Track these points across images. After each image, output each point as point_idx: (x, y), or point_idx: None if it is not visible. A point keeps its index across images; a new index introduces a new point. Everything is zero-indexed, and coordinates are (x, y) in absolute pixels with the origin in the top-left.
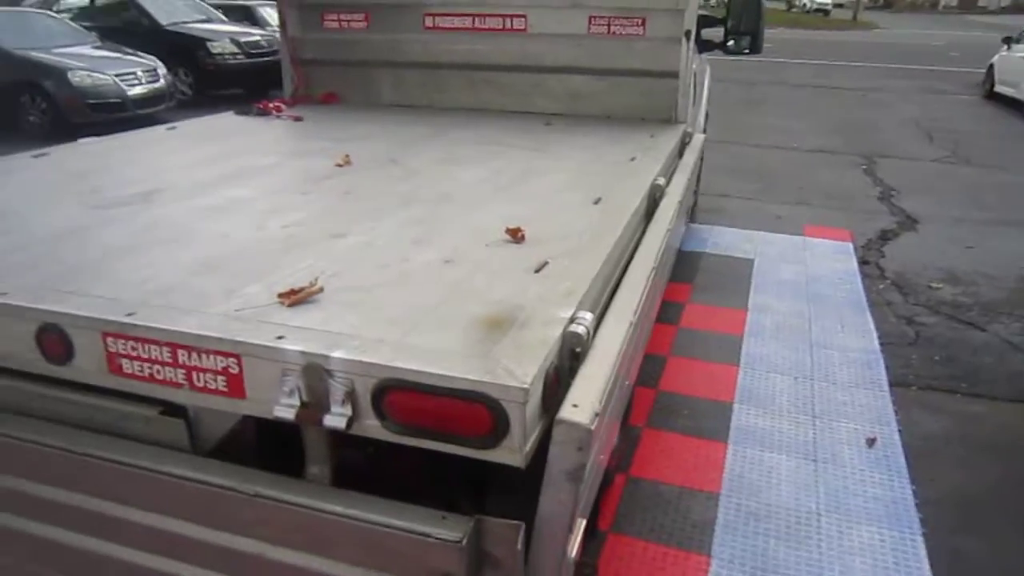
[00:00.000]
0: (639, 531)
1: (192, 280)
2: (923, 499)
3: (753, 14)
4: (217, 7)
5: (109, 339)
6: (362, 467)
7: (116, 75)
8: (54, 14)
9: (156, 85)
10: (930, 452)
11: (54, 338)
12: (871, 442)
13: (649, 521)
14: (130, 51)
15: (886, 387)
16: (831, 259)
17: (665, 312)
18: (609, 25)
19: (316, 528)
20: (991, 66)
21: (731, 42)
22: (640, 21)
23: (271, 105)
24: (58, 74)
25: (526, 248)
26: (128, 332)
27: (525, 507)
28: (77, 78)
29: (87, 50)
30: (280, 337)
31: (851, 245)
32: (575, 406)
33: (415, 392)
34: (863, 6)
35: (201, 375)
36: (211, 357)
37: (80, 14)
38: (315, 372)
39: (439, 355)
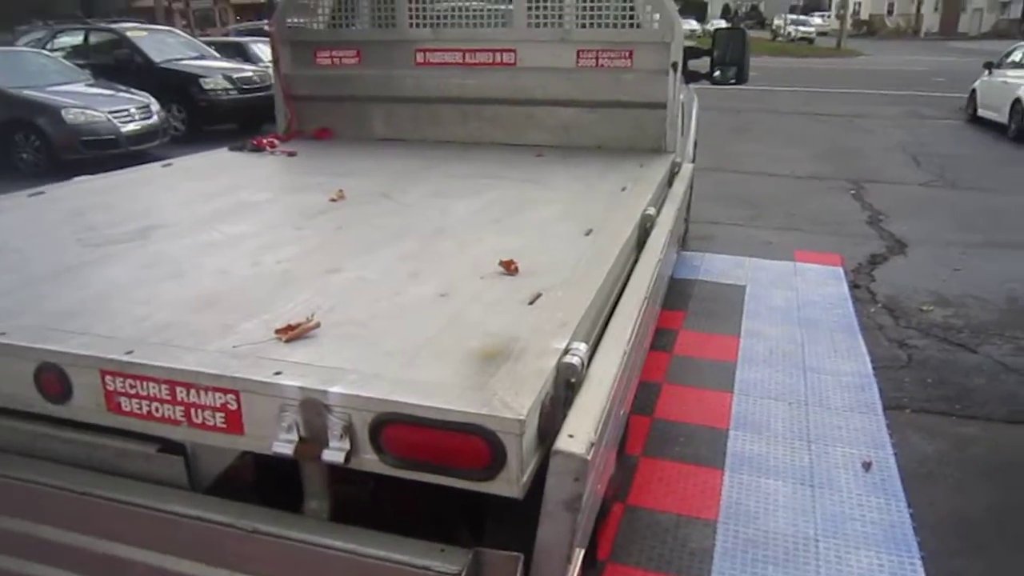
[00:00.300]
0: (637, 560)
1: (189, 317)
2: (920, 522)
3: (738, 45)
4: (210, 44)
5: (107, 377)
6: (360, 501)
7: (110, 112)
8: (48, 53)
9: (150, 121)
10: (926, 475)
11: (52, 377)
12: (867, 466)
13: (647, 550)
14: (124, 88)
15: (880, 410)
16: (822, 284)
17: (659, 339)
18: (597, 58)
19: (315, 563)
20: (973, 91)
21: (717, 73)
22: (628, 54)
23: (265, 141)
24: (52, 112)
25: (520, 280)
26: (126, 370)
27: (524, 538)
28: (71, 115)
29: (81, 88)
30: (278, 373)
31: (841, 270)
32: (571, 436)
33: (412, 425)
34: (847, 34)
35: (199, 412)
36: (209, 394)
37: (73, 52)
38: (313, 407)
39: (435, 388)
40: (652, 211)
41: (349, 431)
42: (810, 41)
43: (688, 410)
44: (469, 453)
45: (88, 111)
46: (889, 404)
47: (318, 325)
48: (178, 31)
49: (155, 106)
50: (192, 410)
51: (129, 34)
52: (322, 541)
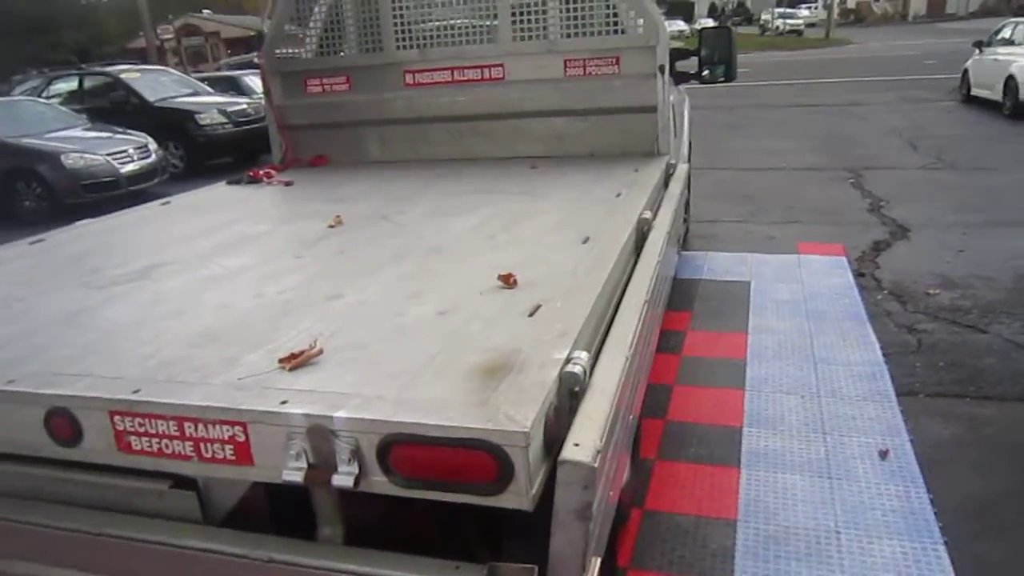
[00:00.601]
0: (659, 565)
1: (194, 352)
2: (941, 507)
3: (725, 43)
4: (203, 79)
5: (116, 418)
6: (374, 524)
7: (108, 154)
8: (44, 100)
9: (148, 161)
10: (944, 459)
11: (62, 421)
12: (883, 454)
13: (668, 554)
14: (120, 130)
15: (893, 397)
16: (827, 274)
17: (666, 341)
18: (585, 66)
19: None
20: (965, 71)
21: (706, 72)
22: (614, 60)
23: (262, 172)
24: (52, 159)
25: (519, 293)
26: (135, 409)
27: (539, 550)
28: (70, 160)
29: (78, 132)
30: (284, 402)
31: (845, 259)
32: (577, 445)
33: (418, 445)
34: (835, 23)
35: (209, 446)
36: (217, 427)
37: (69, 98)
38: (320, 433)
39: (439, 406)
40: (648, 214)
41: (357, 454)
42: (799, 33)
43: (701, 410)
44: (476, 468)
45: (87, 155)
46: (902, 390)
47: (321, 352)
48: (171, 69)
49: (152, 145)
50: (201, 444)
51: (123, 76)
52: (338, 566)
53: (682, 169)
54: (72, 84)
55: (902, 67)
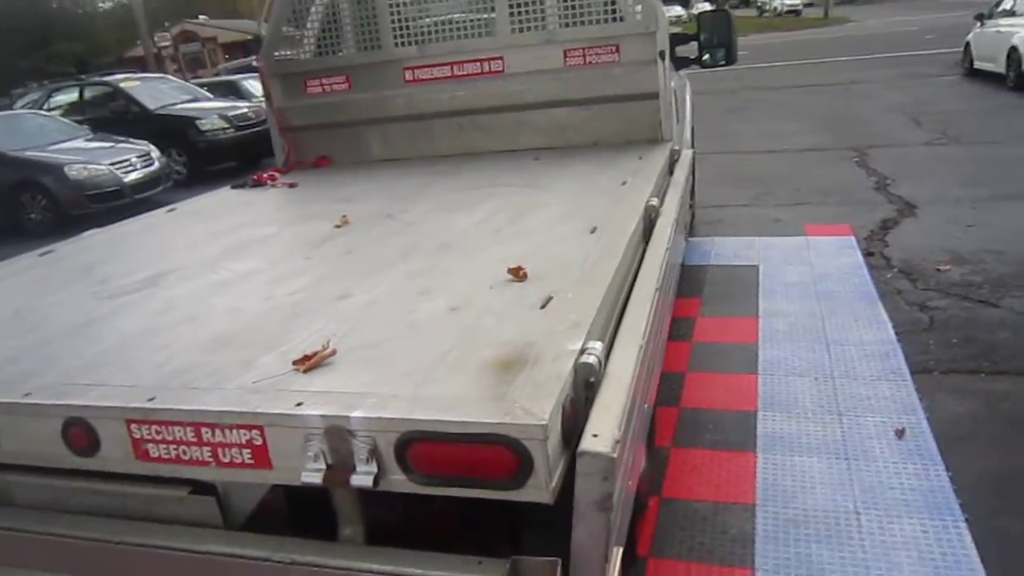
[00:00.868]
0: (679, 552)
1: (207, 358)
2: (960, 484)
3: (724, 26)
4: (202, 85)
5: (133, 426)
6: (394, 522)
7: (112, 164)
8: (45, 112)
9: (151, 169)
10: (961, 436)
11: (79, 431)
12: (900, 433)
13: (687, 541)
14: (123, 139)
15: (908, 376)
16: (835, 255)
17: (677, 328)
18: (584, 56)
19: None
20: (967, 44)
21: (706, 56)
22: (614, 48)
23: (265, 175)
24: (55, 170)
25: (529, 285)
26: (151, 417)
27: (562, 542)
28: (74, 172)
29: (81, 143)
30: (299, 404)
31: (853, 239)
32: (595, 436)
33: (436, 441)
34: (833, 2)
35: (227, 450)
36: (234, 431)
37: (70, 109)
38: (337, 434)
39: (455, 402)
40: (655, 201)
41: (375, 454)
42: (797, 13)
43: (714, 396)
44: (495, 463)
45: (90, 165)
46: (916, 368)
47: (334, 352)
48: (170, 76)
49: (155, 153)
50: (219, 449)
51: (123, 85)
52: (360, 566)
53: (687, 155)
54: (72, 95)
55: (902, 43)
